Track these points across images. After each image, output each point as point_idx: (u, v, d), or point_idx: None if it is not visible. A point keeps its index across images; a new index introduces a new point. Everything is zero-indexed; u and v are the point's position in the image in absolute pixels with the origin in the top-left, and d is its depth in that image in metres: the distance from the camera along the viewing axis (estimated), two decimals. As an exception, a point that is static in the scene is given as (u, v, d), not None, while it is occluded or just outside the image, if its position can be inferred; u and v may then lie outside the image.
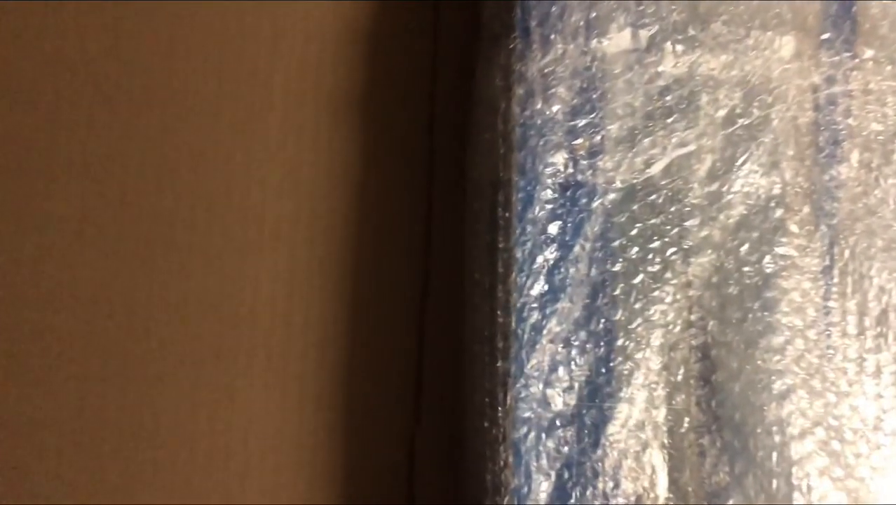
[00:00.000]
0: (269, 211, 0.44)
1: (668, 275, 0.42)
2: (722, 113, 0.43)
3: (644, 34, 0.43)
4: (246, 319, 0.43)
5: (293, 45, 0.44)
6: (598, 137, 0.42)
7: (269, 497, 0.41)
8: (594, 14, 0.42)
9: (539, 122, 0.42)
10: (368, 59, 0.45)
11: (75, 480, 0.41)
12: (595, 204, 0.42)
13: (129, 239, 0.43)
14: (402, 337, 0.45)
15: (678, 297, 0.42)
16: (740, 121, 0.43)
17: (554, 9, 0.42)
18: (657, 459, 0.40)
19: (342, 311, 0.44)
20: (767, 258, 0.42)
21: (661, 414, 0.41)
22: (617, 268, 0.41)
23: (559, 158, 0.42)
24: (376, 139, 0.45)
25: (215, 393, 0.43)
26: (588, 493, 0.39)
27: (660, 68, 0.43)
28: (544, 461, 0.39)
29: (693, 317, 0.42)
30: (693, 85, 0.43)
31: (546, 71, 0.42)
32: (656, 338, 0.41)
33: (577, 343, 0.40)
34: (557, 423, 0.40)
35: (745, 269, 0.42)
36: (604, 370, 0.40)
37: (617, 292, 0.41)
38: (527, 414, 0.40)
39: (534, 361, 0.40)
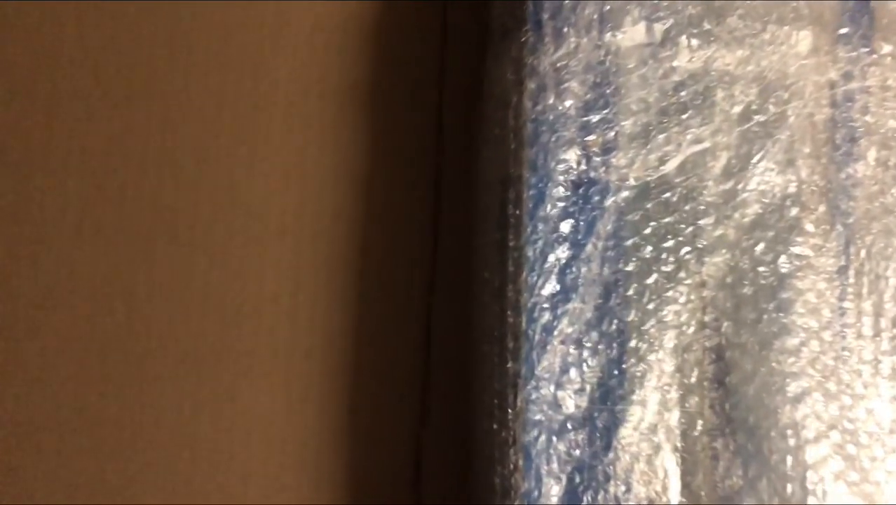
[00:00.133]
0: (273, 206, 0.43)
1: (682, 275, 0.41)
2: (737, 109, 0.43)
3: (659, 28, 0.42)
4: (249, 317, 0.42)
5: (298, 36, 0.43)
6: (612, 134, 0.41)
7: (273, 499, 0.41)
8: (608, 7, 0.41)
9: (551, 117, 0.41)
10: (375, 51, 0.44)
11: (74, 482, 0.40)
12: (608, 202, 0.41)
13: (130, 234, 0.42)
14: (408, 336, 0.44)
15: (692, 297, 0.41)
16: (756, 117, 0.43)
17: (567, 1, 0.41)
18: (670, 462, 0.39)
19: (348, 308, 0.43)
20: (783, 258, 0.42)
21: (673, 417, 0.40)
22: (630, 267, 0.41)
23: (572, 155, 0.41)
24: (383, 134, 0.45)
25: (217, 393, 0.42)
26: (599, 497, 0.38)
27: (674, 63, 0.42)
28: (555, 465, 0.39)
29: (707, 318, 0.41)
30: (708, 80, 0.43)
31: (559, 65, 0.41)
32: (669, 339, 0.40)
33: (588, 344, 0.40)
34: (568, 425, 0.39)
35: (760, 269, 0.41)
36: (616, 372, 0.40)
37: (630, 292, 0.40)
38: (537, 416, 0.39)
39: (545, 363, 0.39)
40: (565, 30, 0.41)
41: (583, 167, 0.41)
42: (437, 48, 0.45)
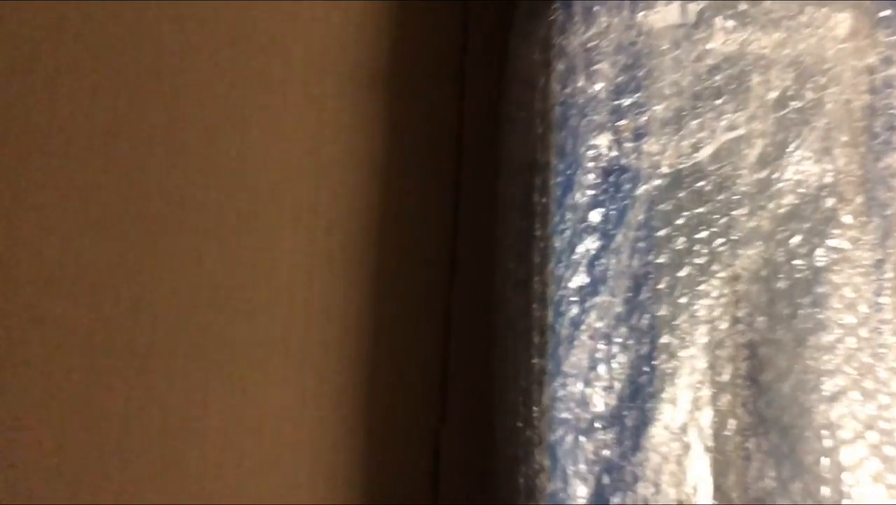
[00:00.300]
0: (286, 192, 0.41)
1: (715, 267, 0.39)
2: (773, 95, 0.41)
3: (693, 8, 0.40)
4: (262, 309, 0.40)
5: (314, 13, 0.41)
6: (644, 119, 0.40)
7: (285, 499, 0.39)
8: (640, -15, 0.40)
9: (581, 100, 0.39)
10: (395, 30, 0.42)
11: (77, 480, 0.39)
12: (639, 190, 0.39)
13: (136, 221, 0.40)
14: (427, 329, 0.42)
15: (725, 291, 0.39)
16: (792, 104, 0.41)
17: (598, -22, 0.39)
18: (701, 463, 0.38)
19: (364, 300, 0.41)
20: (818, 251, 0.40)
21: (705, 415, 0.38)
22: (661, 259, 0.39)
23: (602, 140, 0.39)
24: (402, 117, 0.43)
25: (228, 387, 0.40)
26: (628, 498, 0.37)
27: (709, 45, 0.40)
28: (582, 465, 0.37)
29: (740, 313, 0.39)
30: (744, 64, 0.41)
31: (589, 45, 0.39)
32: (701, 335, 0.39)
33: (617, 340, 0.38)
34: (596, 424, 0.38)
35: (795, 262, 0.40)
36: (646, 369, 0.38)
37: (661, 286, 0.39)
38: (564, 415, 0.37)
39: (572, 359, 0.38)
40: (596, 8, 0.39)
41: (613, 153, 0.39)
42: (459, 27, 0.43)
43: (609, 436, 0.38)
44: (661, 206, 0.39)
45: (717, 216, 0.40)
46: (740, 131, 0.40)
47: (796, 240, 0.40)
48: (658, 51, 0.40)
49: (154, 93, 0.41)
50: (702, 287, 0.39)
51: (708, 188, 0.40)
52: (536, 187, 0.39)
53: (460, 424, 0.42)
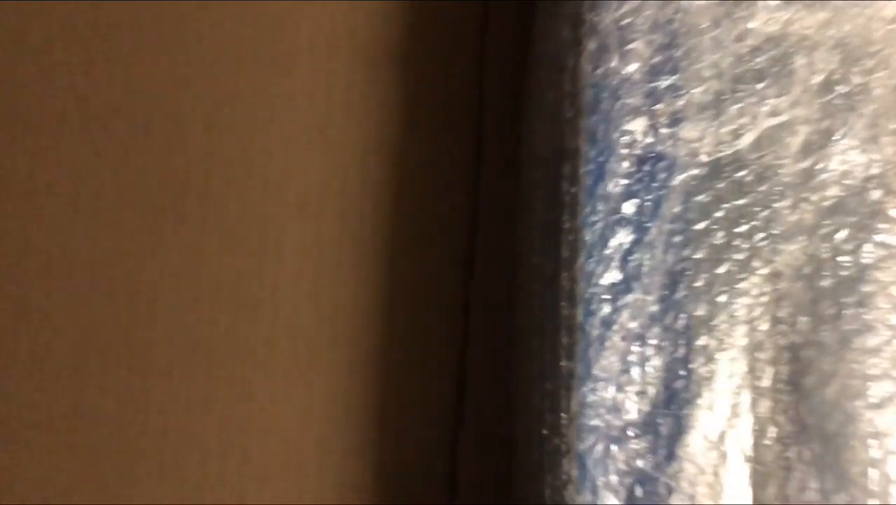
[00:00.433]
0: (294, 178, 0.39)
1: (756, 264, 0.37)
2: (818, 79, 0.38)
3: (734, -17, 0.38)
4: (266, 303, 0.38)
5: (325, -14, 0.39)
6: (681, 102, 0.37)
7: (292, 507, 0.37)
8: (678, -42, 0.37)
9: (613, 82, 0.37)
10: (411, 6, 0.40)
11: (69, 485, 0.36)
12: (675, 180, 0.37)
13: (132, 208, 0.38)
14: (444, 326, 0.40)
15: (765, 289, 0.37)
16: (838, 88, 0.39)
17: (632, -50, 0.37)
18: (739, 474, 0.36)
19: (377, 295, 0.39)
20: (865, 247, 0.38)
21: (744, 423, 0.36)
22: (698, 255, 0.37)
23: (636, 125, 0.37)
24: (417, 98, 0.40)
25: (230, 388, 0.38)
26: (661, 512, 0.34)
27: (750, 25, 0.38)
28: (613, 476, 0.35)
29: (782, 313, 0.37)
30: (787, 45, 0.38)
31: (623, 23, 0.37)
32: (740, 336, 0.37)
33: (651, 341, 0.36)
34: (629, 432, 0.35)
35: (840, 258, 0.37)
36: (682, 373, 0.36)
37: (698, 283, 0.37)
38: (594, 422, 0.35)
39: (603, 362, 0.35)
40: (630, -18, 0.37)
41: (648, 140, 0.37)
42: (480, 2, 0.40)
43: (642, 445, 0.35)
44: (699, 198, 0.37)
45: (758, 209, 0.37)
46: (783, 118, 0.38)
47: (841, 235, 0.37)
48: (696, 29, 0.37)
49: (152, 71, 0.38)
50: (741, 285, 0.37)
51: (748, 179, 0.37)
52: (565, 176, 0.37)
53: (479, 428, 0.40)
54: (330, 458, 0.38)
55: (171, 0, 0.38)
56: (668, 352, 0.36)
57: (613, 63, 0.37)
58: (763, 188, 0.37)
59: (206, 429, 0.38)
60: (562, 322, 0.36)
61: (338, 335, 0.39)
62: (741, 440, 0.36)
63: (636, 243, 0.36)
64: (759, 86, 0.38)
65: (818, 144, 0.38)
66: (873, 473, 0.36)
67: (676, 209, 0.37)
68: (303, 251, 0.39)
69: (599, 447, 0.35)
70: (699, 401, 0.36)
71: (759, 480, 0.36)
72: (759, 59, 0.38)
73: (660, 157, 0.37)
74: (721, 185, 0.37)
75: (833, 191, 0.38)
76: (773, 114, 0.38)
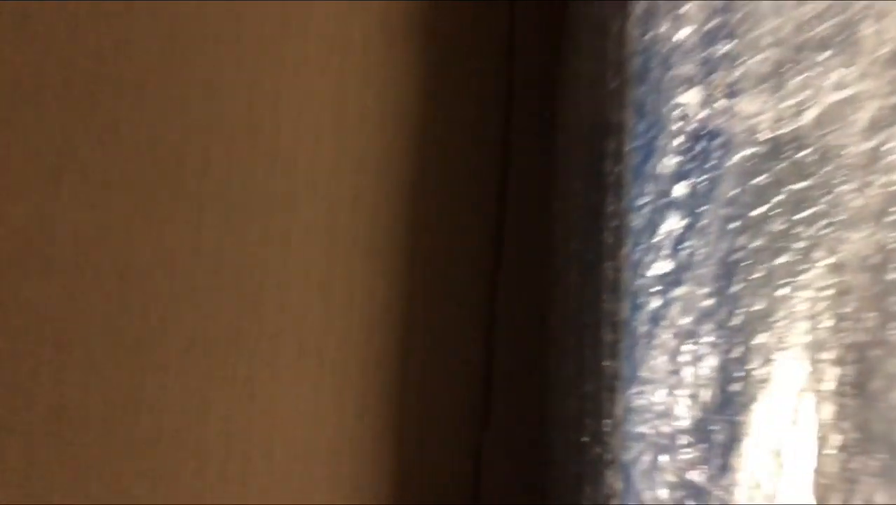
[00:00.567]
0: (302, 154, 0.35)
1: (818, 254, 0.34)
2: (886, 49, 0.35)
3: (796, -59, 0.34)
4: (271, 293, 0.35)
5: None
6: (737, 73, 0.34)
7: (299, 520, 0.33)
8: (737, -90, 0.34)
9: (664, 49, 0.34)
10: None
11: (48, 497, 0.32)
12: (731, 160, 0.33)
13: (123, 185, 0.34)
14: (468, 319, 0.37)
15: (829, 282, 0.34)
16: (908, 60, 0.35)
17: None
18: (799, 486, 0.32)
19: (394, 285, 0.36)
20: (937, 235, 0.34)
21: (804, 430, 0.33)
22: (756, 243, 0.34)
23: (690, 97, 0.33)
24: (440, 67, 0.37)
25: (231, 387, 0.35)
26: (714, 529, 0.31)
27: (812, -12, 0.35)
28: (662, 489, 0.32)
29: (846, 308, 0.34)
30: (852, 12, 0.35)
31: (674, -17, 0.33)
32: (802, 334, 0.34)
33: (704, 339, 0.33)
34: (679, 441, 0.32)
35: (910, 248, 0.34)
36: (738, 374, 0.33)
37: (755, 275, 0.33)
38: (641, 429, 0.32)
39: (651, 361, 0.32)
40: (683, -62, 0.33)
41: (702, 113, 0.33)
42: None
43: (694, 454, 0.32)
44: (757, 180, 0.34)
45: (821, 193, 0.34)
46: (848, 92, 0.35)
47: (911, 222, 0.34)
48: (755, -9, 0.34)
49: (148, 31, 0.35)
50: (802, 277, 0.34)
51: (810, 159, 0.34)
52: (609, 153, 0.33)
53: (505, 432, 0.36)
54: (342, 466, 0.35)
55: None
56: (722, 351, 0.33)
57: (664, 28, 0.34)
58: (826, 170, 0.34)
59: (204, 433, 0.34)
60: (604, 317, 0.33)
61: (351, 329, 0.35)
62: (802, 449, 0.33)
63: (688, 230, 0.33)
64: (823, 56, 0.34)
65: (887, 122, 0.35)
66: (947, 487, 0.33)
67: (732, 192, 0.33)
68: (313, 235, 0.35)
69: (646, 457, 0.32)
70: (756, 406, 0.33)
71: (821, 494, 0.33)
72: (822, 27, 0.35)
73: (714, 133, 0.33)
74: (781, 165, 0.34)
75: (902, 173, 0.35)
76: (838, 87, 0.35)
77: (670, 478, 0.33)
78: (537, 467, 0.36)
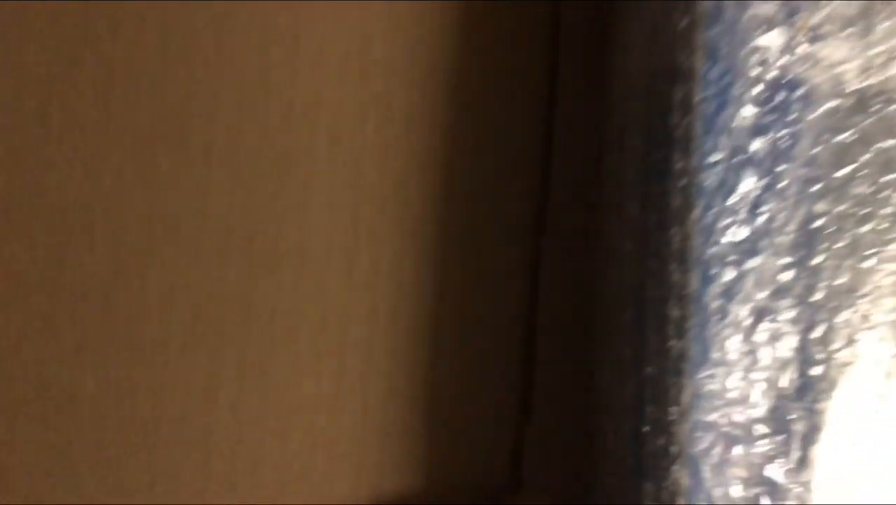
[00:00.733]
0: (325, 105, 0.32)
1: (908, 221, 0.30)
2: None
3: None
4: (289, 261, 0.31)
5: None
6: (822, 14, 0.30)
7: (317, 515, 0.30)
8: None
9: None
10: None
11: (36, 487, 0.29)
12: (814, 113, 0.30)
13: (120, 140, 0.31)
14: (507, 295, 0.33)
15: (919, 253, 0.30)
16: None
17: None
18: (884, 481, 0.29)
19: (425, 253, 0.32)
20: None
21: (892, 418, 0.29)
22: (840, 209, 0.30)
23: (770, 41, 0.29)
24: (478, 16, 0.32)
25: (241, 368, 0.32)
26: (792, 529, 0.28)
27: (902, -81, 0.31)
28: (735, 486, 0.28)
29: (938, 282, 0.30)
30: (947, -53, 0.31)
31: None
32: (890, 311, 0.30)
33: (783, 317, 0.29)
34: (754, 430, 0.29)
35: None
36: (819, 356, 0.29)
37: (839, 245, 0.30)
38: (711, 417, 0.28)
39: (723, 342, 0.28)
40: None
41: (784, 60, 0.29)
42: None
43: (770, 447, 0.29)
44: (841, 137, 0.30)
45: (911, 152, 0.30)
46: (941, 39, 0.31)
47: None
48: (840, -78, 0.30)
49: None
50: (891, 247, 0.30)
51: (900, 114, 0.30)
52: (676, 103, 0.30)
53: (549, 423, 0.33)
54: (365, 458, 0.31)
55: None
56: (801, 330, 0.30)
57: (740, -40, 0.30)
58: (918, 126, 0.31)
59: (212, 422, 0.31)
60: (670, 291, 0.29)
61: (377, 304, 0.32)
62: (888, 440, 0.30)
63: (766, 191, 0.29)
64: (914, -2, 0.31)
65: (982, 74, 0.31)
66: None
67: (814, 150, 0.30)
68: (335, 195, 0.31)
69: (717, 449, 0.29)
70: (838, 391, 0.30)
71: (907, 491, 0.30)
72: (915, -36, 0.31)
73: (795, 83, 0.30)
74: (868, 121, 0.30)
75: None
76: (931, 34, 0.31)
77: (744, 472, 0.29)
78: (584, 461, 0.32)
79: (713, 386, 0.29)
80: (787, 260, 0.30)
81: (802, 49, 0.31)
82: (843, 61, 0.31)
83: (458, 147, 0.33)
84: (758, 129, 0.30)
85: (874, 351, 0.31)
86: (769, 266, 0.30)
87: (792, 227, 0.30)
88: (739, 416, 0.29)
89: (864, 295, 0.31)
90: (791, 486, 0.29)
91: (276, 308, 0.31)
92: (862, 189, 0.31)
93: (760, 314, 0.30)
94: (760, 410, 0.29)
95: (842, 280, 0.31)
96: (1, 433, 0.29)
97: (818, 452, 0.30)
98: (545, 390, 0.33)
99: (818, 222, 0.31)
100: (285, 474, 0.31)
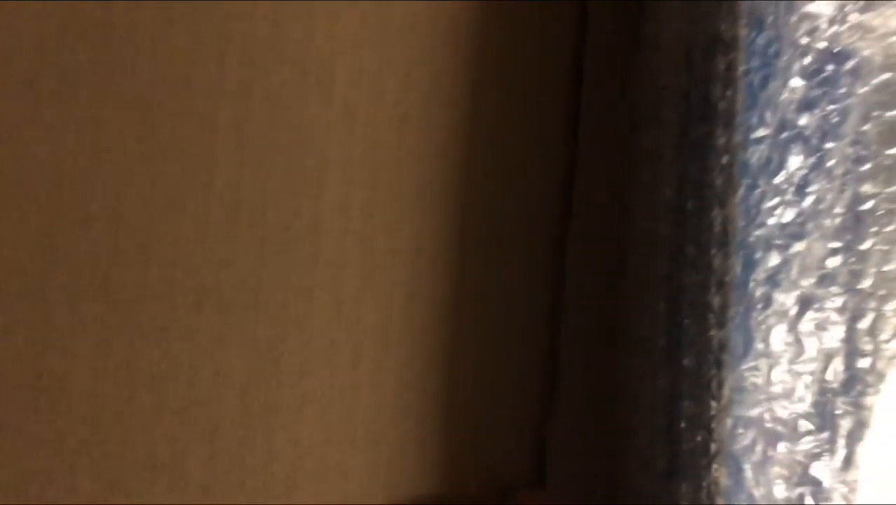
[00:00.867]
0: (339, 72, 0.30)
1: (963, 203, 0.28)
2: None
3: None
4: (301, 238, 0.30)
5: None
6: (874, -19, 0.28)
7: (329, 515, 0.28)
8: None
9: None
10: None
11: (25, 483, 0.27)
12: (865, 87, 0.28)
13: (115, 97, 0.29)
14: (531, 278, 0.31)
15: (976, 238, 0.29)
16: None
17: None
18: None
19: (445, 234, 0.31)
20: None
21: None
22: (891, 190, 0.28)
23: (820, 8, 0.27)
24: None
25: (251, 354, 0.29)
26: (836, 532, 0.27)
27: None
28: (780, 486, 0.27)
29: None
30: None
31: None
32: None
33: (830, 305, 0.27)
34: (799, 427, 0.27)
35: None
36: (866, 348, 0.28)
37: (889, 228, 0.28)
38: (755, 412, 0.27)
39: (767, 332, 0.27)
40: None
41: (835, 29, 0.28)
42: None
43: (814, 445, 0.27)
44: (893, 113, 0.28)
45: (965, 130, 0.29)
46: None
47: None
48: None
49: None
50: None
51: (956, 89, 0.29)
52: (717, 75, 0.28)
53: (574, 416, 0.31)
54: (381, 454, 0.30)
55: None
56: (850, 320, 0.28)
57: (787, -81, 0.28)
58: (973, 103, 0.29)
59: (217, 413, 0.29)
60: (710, 277, 0.27)
61: (393, 288, 0.30)
62: None
63: (813, 170, 0.28)
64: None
65: None
66: None
67: (865, 126, 0.28)
68: (351, 169, 0.29)
69: (760, 446, 0.27)
70: (886, 385, 0.28)
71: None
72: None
73: (846, 55, 0.28)
74: (922, 96, 0.29)
75: None
76: None
77: (786, 471, 0.28)
78: (612, 459, 0.30)
79: (756, 379, 0.28)
80: (835, 244, 0.29)
81: (854, 17, 0.29)
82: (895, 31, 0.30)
83: (480, 120, 0.31)
84: (807, 104, 0.29)
85: (925, 342, 0.29)
86: (815, 251, 0.28)
87: (839, 209, 0.29)
88: (783, 411, 0.28)
89: (916, 282, 0.29)
90: (837, 485, 0.28)
91: (286, 293, 0.29)
92: (914, 170, 0.30)
93: (806, 302, 0.28)
94: (805, 405, 0.28)
95: (891, 266, 0.29)
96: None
97: (865, 449, 0.28)
98: (570, 382, 0.31)
99: (867, 204, 0.29)
100: (296, 470, 0.29)
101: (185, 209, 0.28)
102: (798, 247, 0.28)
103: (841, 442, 0.28)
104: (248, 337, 0.29)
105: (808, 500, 0.27)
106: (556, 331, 0.32)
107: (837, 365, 0.28)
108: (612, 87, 0.32)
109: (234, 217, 0.29)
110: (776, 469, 0.27)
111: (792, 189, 0.28)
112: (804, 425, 0.27)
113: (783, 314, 0.27)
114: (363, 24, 0.30)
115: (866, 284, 0.28)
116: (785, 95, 0.28)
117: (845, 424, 0.28)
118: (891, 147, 0.29)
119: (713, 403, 0.27)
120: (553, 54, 0.33)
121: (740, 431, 0.27)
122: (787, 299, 0.27)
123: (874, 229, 0.28)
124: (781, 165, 0.28)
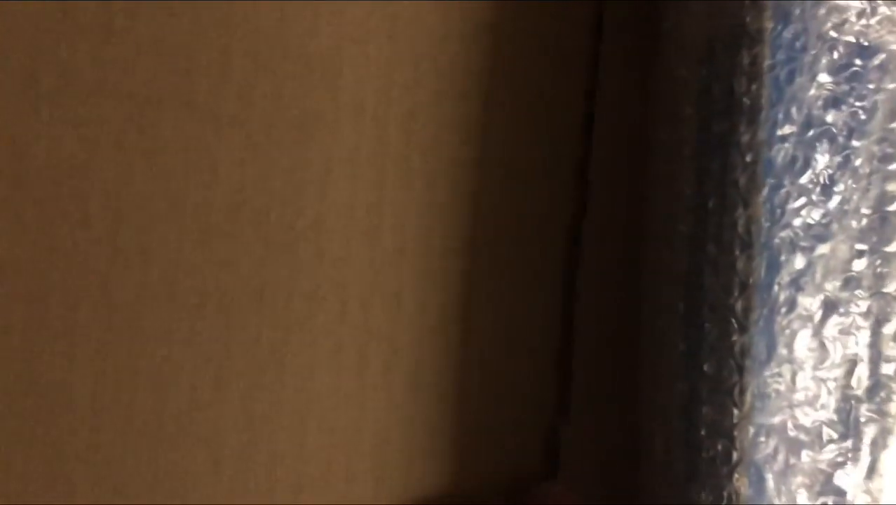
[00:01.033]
0: (347, 65, 0.29)
1: None
2: None
3: None
4: (306, 237, 0.29)
5: None
6: (905, -28, 0.27)
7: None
8: None
9: None
10: None
11: (20, 491, 0.26)
12: (895, 83, 0.27)
13: (117, 102, 0.28)
14: (543, 276, 0.31)
15: None
16: None
17: None
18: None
19: (455, 230, 0.30)
20: None
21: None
22: None
23: (848, 1, 0.27)
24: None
25: (254, 356, 0.29)
26: (860, 544, 0.26)
27: None
28: (802, 496, 0.26)
29: None
30: None
31: None
32: None
33: (856, 309, 0.27)
34: (824, 435, 0.26)
35: None
36: (892, 353, 0.28)
37: None
38: (777, 419, 0.26)
39: (791, 337, 0.26)
40: None
41: (864, 22, 0.27)
42: None
43: (838, 454, 0.26)
44: (922, 109, 0.28)
45: None
46: None
47: None
48: None
49: None
50: None
51: None
52: (741, 68, 0.27)
53: (588, 421, 0.31)
54: (388, 459, 0.30)
55: None
56: (876, 323, 0.27)
57: None
58: None
59: (219, 417, 0.29)
60: (733, 279, 0.27)
61: (402, 288, 0.29)
62: None
63: (840, 169, 0.27)
64: None
65: None
66: None
67: (892, 124, 0.28)
68: (357, 165, 0.29)
69: (782, 455, 0.27)
70: (912, 392, 0.28)
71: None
72: None
73: (875, 48, 0.27)
74: (953, 92, 0.28)
75: None
76: None
77: (810, 481, 0.27)
78: (627, 466, 0.30)
79: (779, 386, 0.27)
80: (861, 246, 0.28)
81: (884, 11, 0.28)
82: (926, 25, 0.29)
83: (491, 114, 0.31)
84: (834, 100, 0.28)
85: (953, 347, 0.29)
86: (841, 253, 0.28)
87: (865, 209, 0.28)
88: (806, 418, 0.27)
89: (944, 286, 0.29)
90: (861, 494, 0.27)
91: (291, 293, 0.29)
92: (945, 168, 0.29)
93: (831, 306, 0.28)
94: (828, 412, 0.27)
95: (919, 269, 0.29)
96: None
97: (890, 458, 0.28)
98: (583, 386, 0.31)
99: (894, 205, 0.28)
100: (301, 475, 0.29)
101: (187, 208, 0.28)
102: (823, 249, 0.27)
103: (865, 450, 0.27)
104: (251, 339, 0.29)
105: (832, 510, 0.27)
106: (569, 332, 0.32)
107: (862, 371, 0.27)
108: (628, 81, 0.31)
109: (237, 216, 0.29)
110: (799, 478, 0.27)
111: (818, 189, 0.27)
112: (828, 433, 0.27)
113: (807, 318, 0.27)
114: (370, 17, 0.30)
115: (892, 287, 0.28)
116: (812, 91, 0.27)
117: (870, 432, 0.27)
118: (920, 145, 0.28)
119: (735, 411, 0.27)
120: (566, 46, 0.32)
121: (763, 439, 0.26)
122: (811, 303, 0.27)
123: (901, 230, 0.28)
124: (807, 164, 0.27)
